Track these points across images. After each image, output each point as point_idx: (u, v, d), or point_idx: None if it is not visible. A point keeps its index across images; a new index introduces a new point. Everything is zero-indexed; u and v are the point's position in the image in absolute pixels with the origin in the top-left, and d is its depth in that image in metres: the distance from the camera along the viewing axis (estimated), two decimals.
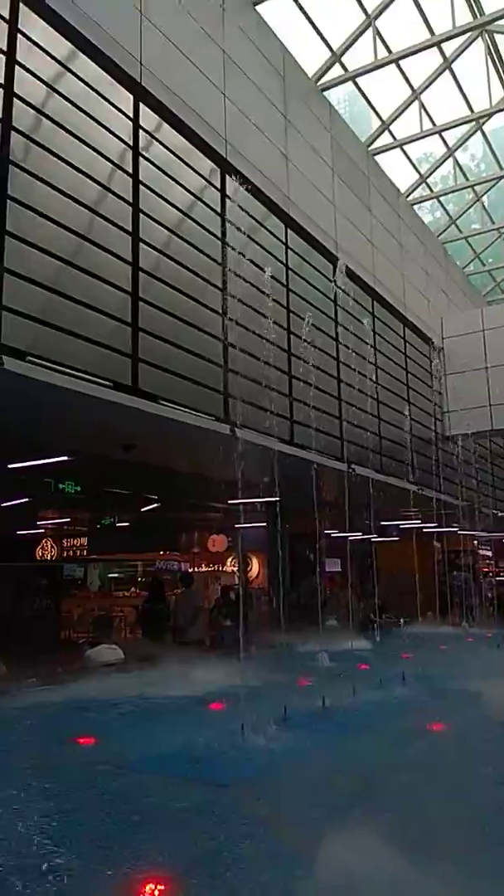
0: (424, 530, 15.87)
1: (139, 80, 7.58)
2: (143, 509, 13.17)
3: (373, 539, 13.91)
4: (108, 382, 6.52)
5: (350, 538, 13.72)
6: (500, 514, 19.46)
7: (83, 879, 2.31)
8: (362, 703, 5.39)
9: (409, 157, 16.49)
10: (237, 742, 4.04)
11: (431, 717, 4.70)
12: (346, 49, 12.34)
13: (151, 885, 2.17)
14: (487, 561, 25.48)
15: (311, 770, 3.69)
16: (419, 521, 14.90)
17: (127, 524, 14.96)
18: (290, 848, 2.64)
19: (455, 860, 2.39)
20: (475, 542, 20.48)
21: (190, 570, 15.56)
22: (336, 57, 12.28)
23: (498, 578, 24.76)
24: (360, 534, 13.43)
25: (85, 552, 16.78)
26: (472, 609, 15.28)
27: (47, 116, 6.49)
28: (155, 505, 12.92)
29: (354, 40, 12.36)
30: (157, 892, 2.15)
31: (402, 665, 7.02)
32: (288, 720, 4.46)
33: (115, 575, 17.83)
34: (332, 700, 5.17)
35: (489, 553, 25.72)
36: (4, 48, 6.10)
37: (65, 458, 7.99)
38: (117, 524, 14.80)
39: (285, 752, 3.95)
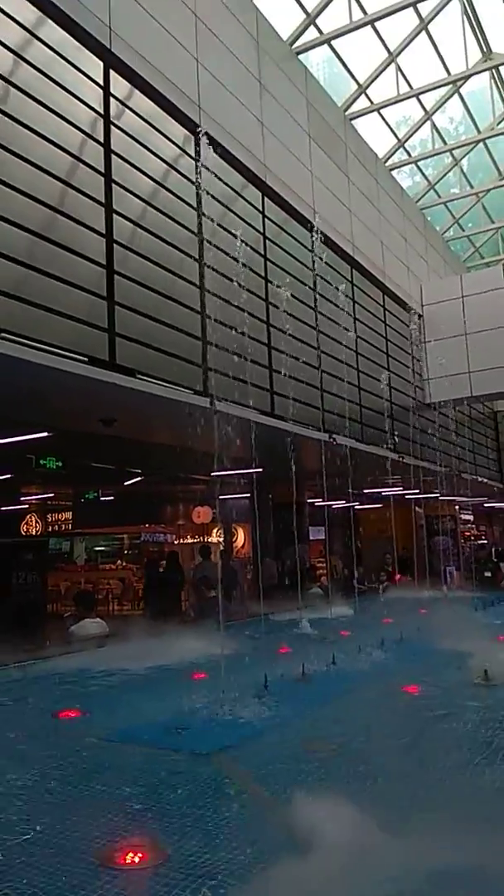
0: (406, 497, 16.08)
1: (109, 47, 7.41)
2: (126, 483, 13.20)
3: (355, 507, 14.08)
4: (83, 357, 6.49)
5: (332, 506, 13.88)
6: (480, 480, 19.73)
7: (64, 848, 2.39)
8: (341, 670, 5.53)
9: (386, 122, 16.30)
10: (218, 711, 4.15)
11: (407, 680, 4.84)
12: (321, 11, 12.09)
13: (132, 853, 2.26)
14: (469, 525, 25.93)
15: (290, 737, 3.81)
16: (401, 489, 15.08)
17: (111, 498, 15.01)
18: (268, 812, 2.75)
19: (422, 818, 2.51)
20: (457, 507, 20.79)
21: (208, 542, 15.61)
22: (311, 19, 12.03)
23: (480, 542, 25.24)
24: (342, 502, 13.59)
25: (70, 526, 16.86)
26: (452, 574, 15.58)
27: (14, 85, 6.34)
28: (138, 479, 12.95)
29: (329, 2, 12.09)
30: (138, 859, 2.23)
31: (382, 630, 7.18)
32: (268, 688, 4.58)
33: (102, 548, 17.96)
34: (311, 667, 5.30)
35: (470, 517, 26.15)
36: None
37: (44, 433, 7.97)
38: (101, 498, 14.84)
39: (265, 720, 4.05)
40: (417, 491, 14.83)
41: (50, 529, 16.64)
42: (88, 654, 6.26)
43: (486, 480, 20.44)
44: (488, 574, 15.74)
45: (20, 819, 2.71)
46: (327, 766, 3.26)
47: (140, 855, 2.24)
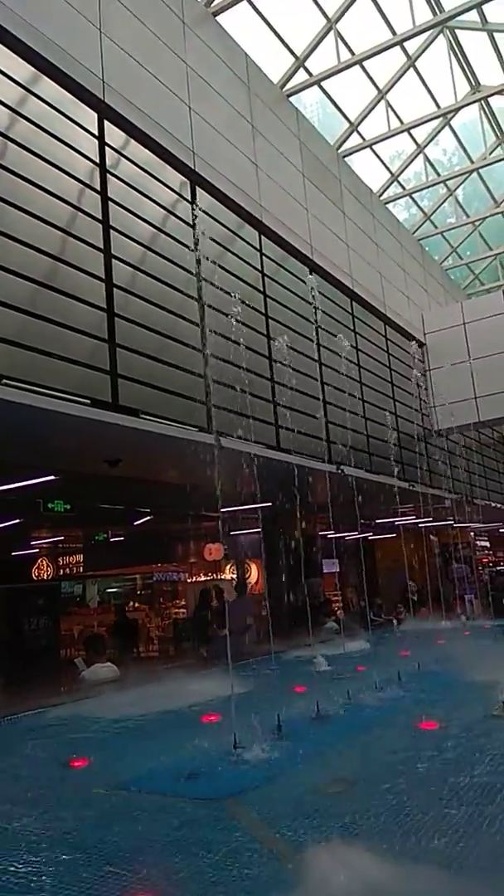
0: (419, 526, 15.93)
1: (103, 98, 7.63)
2: (135, 523, 13.16)
3: (368, 537, 13.95)
4: (86, 400, 6.54)
5: (343, 538, 13.76)
6: (493, 505, 19.55)
7: None
8: (357, 707, 5.41)
9: (379, 157, 16.60)
10: (231, 755, 4.06)
11: (424, 717, 4.71)
12: (310, 54, 12.43)
13: None
14: (486, 551, 25.60)
15: (304, 780, 3.71)
16: (413, 517, 14.95)
17: (121, 538, 14.96)
18: (280, 858, 2.66)
19: (438, 862, 2.42)
20: (472, 533, 20.57)
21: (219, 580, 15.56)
22: (300, 62, 12.36)
23: (498, 568, 24.87)
24: (354, 533, 13.47)
25: (81, 569, 16.77)
26: (471, 602, 15.33)
27: (13, 140, 6.52)
28: (147, 518, 12.92)
29: (317, 44, 12.45)
30: None
31: (398, 663, 7.04)
32: (282, 729, 4.48)
33: (114, 590, 17.83)
34: (326, 706, 5.18)
35: (487, 543, 25.85)
36: None
37: (51, 476, 8.00)
38: (111, 539, 14.79)
39: (278, 763, 3.96)
40: (430, 519, 14.70)
41: (61, 573, 16.57)
42: (100, 700, 6.16)
43: (499, 505, 20.25)
44: None
45: (28, 872, 2.64)
46: (340, 809, 3.16)
47: None
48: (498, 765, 3.71)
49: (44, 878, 2.59)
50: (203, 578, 17.28)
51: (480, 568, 20.92)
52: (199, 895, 2.34)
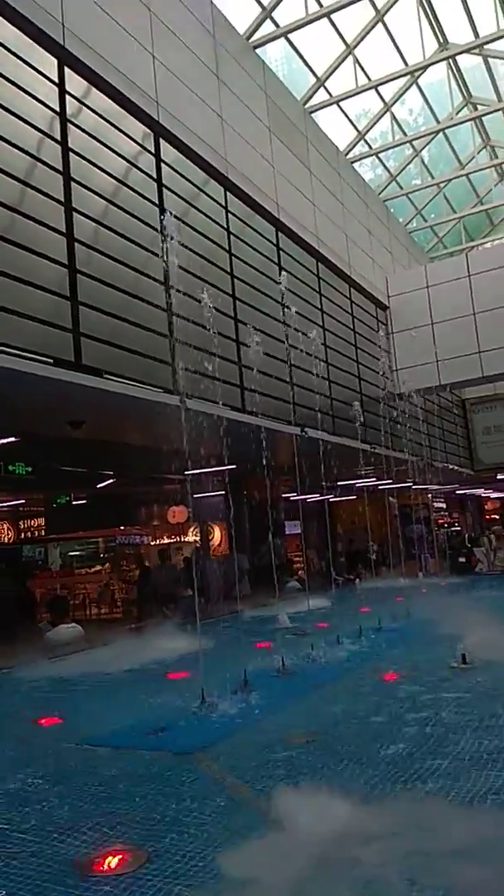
0: (379, 487, 16.18)
1: (63, 43, 7.30)
2: (98, 485, 13.07)
3: (329, 499, 14.09)
4: (48, 359, 6.40)
5: (306, 500, 13.90)
6: (451, 467, 19.95)
7: (44, 855, 2.36)
8: (320, 662, 5.54)
9: (346, 114, 16.35)
10: (198, 710, 4.14)
11: (384, 668, 4.87)
12: (277, 4, 12.06)
13: (112, 856, 2.23)
14: (442, 512, 26.24)
15: (270, 731, 3.81)
16: (373, 479, 15.16)
17: (84, 501, 14.85)
18: (246, 806, 2.74)
19: (397, 804, 2.53)
20: (429, 495, 20.99)
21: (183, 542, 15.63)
22: (267, 13, 12.01)
23: (453, 528, 25.54)
24: (316, 495, 13.62)
25: (43, 532, 16.64)
26: (427, 561, 15.75)
27: None
28: (110, 481, 12.83)
29: None
30: (115, 863, 2.21)
31: (359, 620, 7.22)
32: (248, 684, 4.57)
33: (76, 553, 17.77)
34: (290, 660, 5.30)
35: (443, 505, 26.47)
36: None
37: (11, 438, 7.86)
38: (74, 502, 14.67)
39: (245, 715, 4.05)
40: (390, 481, 14.93)
41: (23, 536, 16.42)
42: (66, 660, 6.19)
43: (456, 468, 20.67)
44: (463, 560, 15.93)
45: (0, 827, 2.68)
46: (306, 758, 3.26)
47: (119, 857, 2.21)
48: (454, 710, 3.87)
49: (15, 831, 2.63)
50: (167, 541, 17.33)
51: (437, 528, 21.44)
52: (172, 841, 2.39)
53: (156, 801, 2.82)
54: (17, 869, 2.27)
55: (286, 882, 2.03)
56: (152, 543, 17.35)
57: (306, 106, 14.27)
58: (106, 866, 2.18)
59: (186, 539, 16.73)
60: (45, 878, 2.18)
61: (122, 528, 16.90)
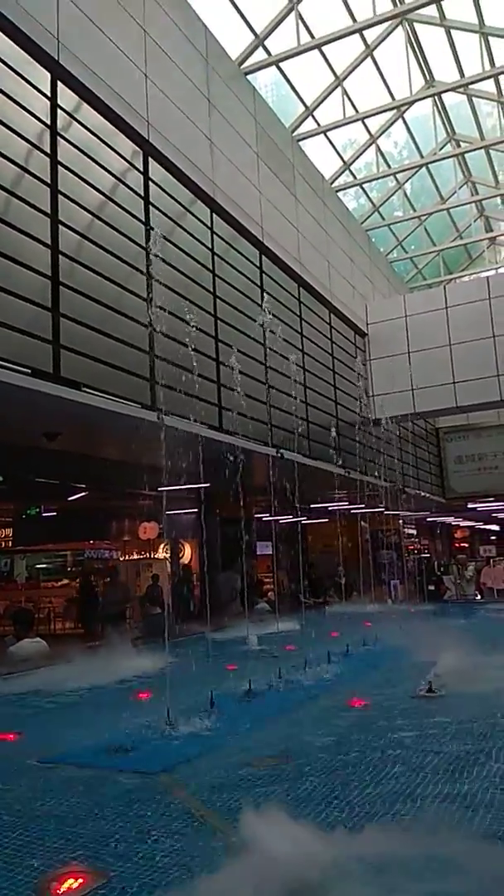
0: (352, 511, 16.25)
1: (57, 58, 7.35)
2: (70, 498, 12.94)
3: (302, 521, 14.12)
4: (26, 369, 6.36)
5: (279, 521, 13.90)
6: (423, 494, 20.13)
7: (2, 878, 2.30)
8: (288, 685, 5.51)
9: (332, 144, 16.65)
10: (164, 730, 4.08)
11: (353, 694, 4.86)
12: (270, 33, 12.32)
13: (72, 880, 2.18)
14: (413, 539, 26.40)
15: (235, 754, 3.77)
16: (347, 503, 15.24)
17: (54, 514, 14.67)
18: (212, 829, 2.71)
19: (368, 827, 2.52)
20: (401, 521, 21.13)
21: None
22: (259, 40, 12.24)
23: (423, 555, 25.71)
24: (289, 517, 13.64)
25: (10, 543, 16.38)
26: (396, 587, 15.82)
27: None
28: (82, 494, 12.71)
29: (277, 24, 12.34)
30: (77, 885, 2.16)
31: (328, 644, 7.21)
32: (214, 706, 4.53)
33: (44, 566, 17.51)
34: (258, 683, 5.27)
35: (414, 531, 26.64)
36: None
37: None
38: (43, 514, 14.49)
39: (210, 738, 4.01)
40: (363, 505, 15.02)
41: None
42: (29, 675, 6.07)
43: (428, 495, 20.88)
44: (431, 588, 16.04)
45: None
46: (271, 781, 3.23)
47: (80, 881, 2.17)
48: (418, 739, 3.88)
49: None
50: (136, 557, 17.16)
51: (407, 555, 21.57)
52: (133, 864, 2.35)
53: (116, 823, 2.77)
54: None
55: None
56: (121, 559, 17.18)
57: (294, 134, 14.52)
58: (65, 888, 2.12)
59: (157, 556, 16.58)
60: None
61: (91, 541, 16.71)
